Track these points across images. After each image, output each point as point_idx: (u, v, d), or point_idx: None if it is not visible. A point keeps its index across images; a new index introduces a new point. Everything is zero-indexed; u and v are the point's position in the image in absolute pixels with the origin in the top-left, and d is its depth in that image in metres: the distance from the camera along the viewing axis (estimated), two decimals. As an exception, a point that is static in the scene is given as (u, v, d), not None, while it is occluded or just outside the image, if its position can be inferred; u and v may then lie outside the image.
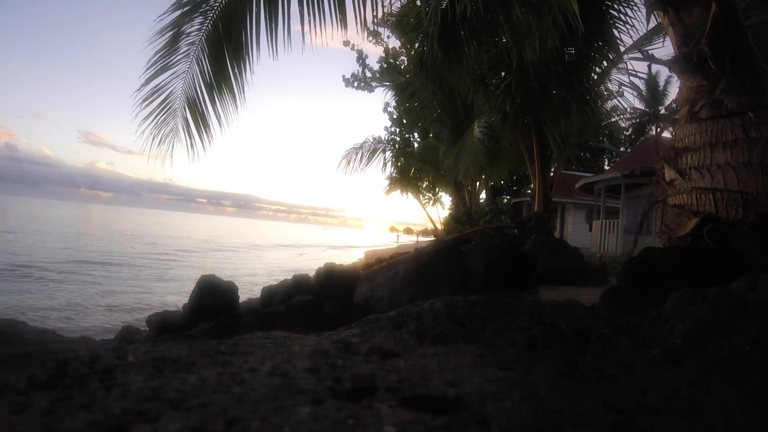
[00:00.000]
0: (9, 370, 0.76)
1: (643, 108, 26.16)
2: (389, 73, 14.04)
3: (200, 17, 3.68)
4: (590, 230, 14.44)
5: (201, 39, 3.76)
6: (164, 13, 3.61)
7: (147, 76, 3.77)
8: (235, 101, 3.89)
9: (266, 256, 24.90)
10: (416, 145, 16.54)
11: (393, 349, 1.09)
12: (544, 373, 0.95)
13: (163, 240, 29.78)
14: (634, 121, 26.53)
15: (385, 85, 12.46)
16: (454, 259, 4.41)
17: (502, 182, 20.84)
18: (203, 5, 3.63)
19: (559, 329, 1.20)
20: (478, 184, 14.33)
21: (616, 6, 5.39)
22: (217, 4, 3.62)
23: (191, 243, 28.62)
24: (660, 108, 25.96)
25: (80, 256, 15.51)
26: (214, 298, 4.16)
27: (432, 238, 18.70)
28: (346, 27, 3.45)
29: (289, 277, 5.21)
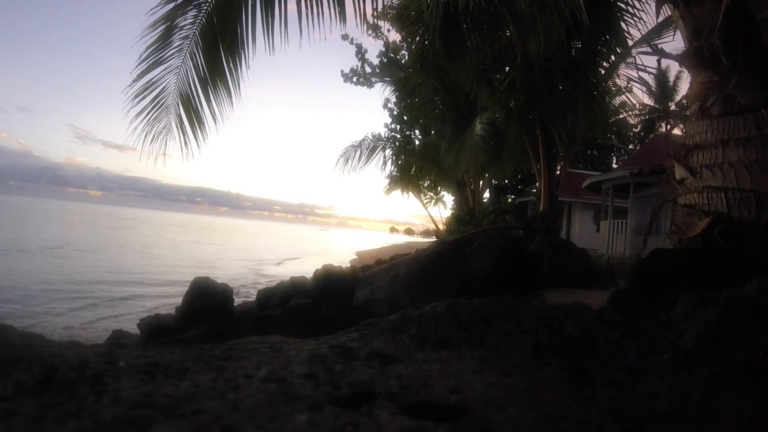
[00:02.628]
0: (-5, 375, 0.76)
1: (652, 104, 26.17)
2: (389, 68, 14.05)
3: (194, 10, 3.68)
4: (598, 231, 14.45)
5: (195, 33, 3.76)
6: (156, 6, 3.61)
7: (139, 71, 3.78)
8: (231, 97, 3.90)
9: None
10: (417, 142, 16.55)
11: (393, 354, 1.09)
12: (549, 378, 0.95)
13: (155, 241, 29.79)
14: (643, 118, 26.53)
15: (385, 81, 12.47)
16: (457, 261, 4.41)
17: (507, 181, 20.85)
18: (197, -3, 3.64)
19: (566, 333, 1.20)
20: (481, 183, 14.33)
21: (624, -2, 5.39)
22: (212, -3, 3.62)
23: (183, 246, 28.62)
24: (670, 104, 25.96)
25: (67, 257, 15.51)
26: (207, 301, 4.15)
27: (434, 239, 18.70)
28: (345, 20, 3.46)
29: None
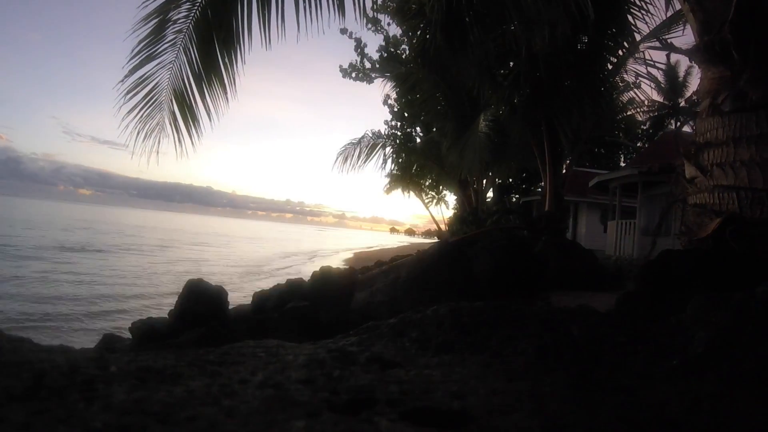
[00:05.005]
0: (-18, 381, 0.76)
1: (661, 100, 26.16)
2: (389, 63, 14.05)
3: (188, 3, 3.68)
4: (605, 231, 14.46)
5: (189, 27, 3.76)
6: (149, -1, 3.61)
7: (131, 67, 3.78)
8: (226, 93, 3.90)
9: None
10: (418, 140, 16.56)
11: (394, 359, 1.09)
12: (555, 384, 0.95)
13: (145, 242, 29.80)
14: (651, 115, 26.51)
15: (386, 76, 12.48)
16: (459, 263, 4.41)
17: (511, 180, 20.85)
18: (191, -10, 3.64)
19: (572, 337, 1.20)
20: (484, 182, 14.34)
21: (632, -10, 5.39)
22: (206, -11, 3.62)
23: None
24: (680, 100, 25.95)
25: (54, 258, 15.52)
26: (201, 304, 4.15)
27: (435, 240, 18.72)
28: (343, 14, 3.46)
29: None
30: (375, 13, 14.39)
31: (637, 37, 5.91)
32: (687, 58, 3.65)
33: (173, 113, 4.05)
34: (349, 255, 25.96)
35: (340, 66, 17.47)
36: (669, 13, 5.37)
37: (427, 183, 17.05)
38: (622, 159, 25.18)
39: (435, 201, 17.95)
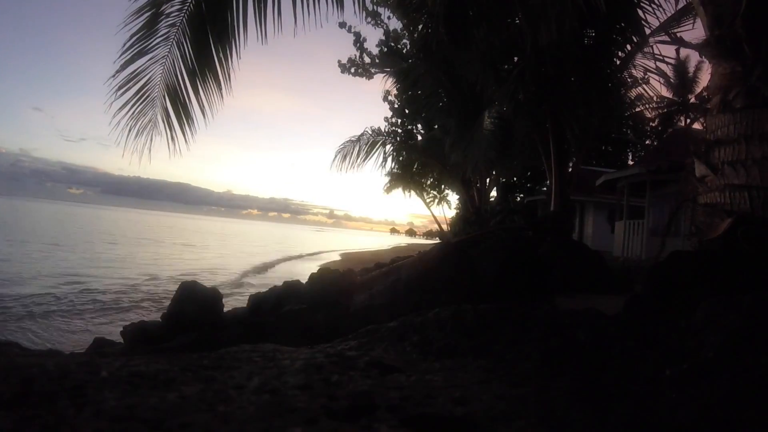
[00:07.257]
0: (-31, 386, 0.76)
1: (670, 97, 26.15)
2: (390, 58, 14.07)
3: (181, -4, 3.69)
4: (612, 232, 14.45)
5: (182, 20, 3.76)
6: (141, -8, 3.61)
7: (122, 62, 3.77)
8: (220, 89, 3.90)
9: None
10: (420, 137, 16.57)
11: (394, 364, 1.09)
12: (561, 390, 0.95)
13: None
14: (660, 111, 26.51)
15: (386, 72, 12.47)
16: (461, 264, 4.41)
17: (515, 179, 20.86)
18: (185, -17, 3.64)
19: (578, 342, 1.20)
20: (488, 181, 14.34)
21: (640, -17, 5.39)
22: (200, -18, 3.62)
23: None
24: (690, 97, 25.95)
25: (45, 260, 15.52)
26: (195, 307, 4.15)
27: (437, 241, 18.74)
28: (342, 7, 3.46)
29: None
30: (375, 7, 14.42)
31: (647, 31, 5.91)
32: (697, 53, 3.64)
33: (166, 110, 4.05)
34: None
35: (339, 61, 17.50)
36: (679, 6, 5.38)
37: (428, 182, 17.06)
38: (630, 157, 25.16)
39: (437, 200, 17.98)
